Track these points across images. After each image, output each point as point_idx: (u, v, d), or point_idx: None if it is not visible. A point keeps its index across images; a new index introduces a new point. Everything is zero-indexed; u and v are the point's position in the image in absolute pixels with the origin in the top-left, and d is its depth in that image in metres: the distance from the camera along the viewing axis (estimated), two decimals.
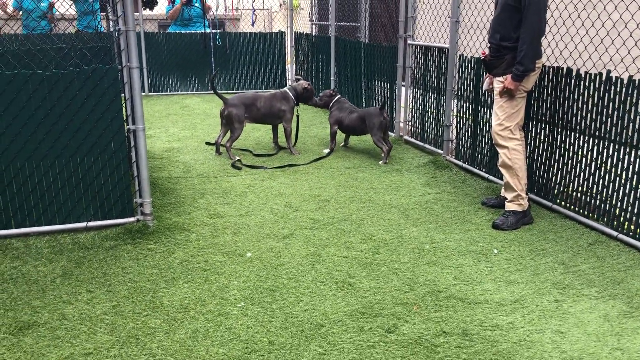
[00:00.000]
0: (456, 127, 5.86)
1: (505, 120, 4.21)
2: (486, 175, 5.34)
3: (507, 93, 4.14)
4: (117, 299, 3.12)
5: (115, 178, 4.00)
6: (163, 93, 10.58)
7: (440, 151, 6.19)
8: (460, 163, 5.78)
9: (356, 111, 6.31)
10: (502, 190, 4.59)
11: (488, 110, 5.29)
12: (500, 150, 4.29)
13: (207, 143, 6.69)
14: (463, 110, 5.71)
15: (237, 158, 5.95)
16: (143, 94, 10.31)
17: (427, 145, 6.49)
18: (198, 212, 4.44)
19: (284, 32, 11.21)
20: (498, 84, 4.24)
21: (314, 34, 10.80)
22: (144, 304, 3.07)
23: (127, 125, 3.99)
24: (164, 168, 5.68)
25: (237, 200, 4.75)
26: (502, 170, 4.32)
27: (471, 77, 5.52)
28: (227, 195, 4.87)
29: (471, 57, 5.49)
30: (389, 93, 7.29)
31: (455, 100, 5.85)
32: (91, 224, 4.01)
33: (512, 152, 4.22)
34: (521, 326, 2.93)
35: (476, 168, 5.54)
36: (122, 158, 3.99)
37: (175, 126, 7.76)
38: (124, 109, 3.96)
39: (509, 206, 4.28)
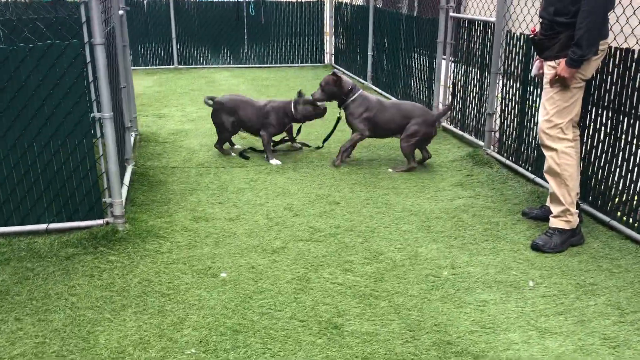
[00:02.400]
0: (500, 115, 5.00)
1: (555, 116, 3.36)
2: (532, 176, 4.48)
3: (560, 82, 3.29)
4: (45, 333, 2.54)
5: (80, 174, 3.42)
6: (193, 66, 10.02)
7: (481, 143, 5.34)
8: (502, 159, 4.93)
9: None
10: (548, 199, 3.75)
11: (538, 99, 4.40)
12: (547, 153, 3.45)
13: None
14: (509, 97, 4.84)
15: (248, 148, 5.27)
16: (172, 66, 9.81)
17: (466, 135, 5.64)
18: (182, 214, 3.83)
19: (323, 1, 10.39)
20: (549, 69, 3.38)
21: (354, 2, 9.92)
22: (74, 342, 2.48)
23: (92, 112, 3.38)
24: (164, 155, 5.09)
25: (231, 199, 4.10)
26: (548, 178, 3.48)
27: (519, 57, 4.62)
28: (222, 192, 4.23)
29: (520, 33, 4.59)
30: (428, 72, 6.43)
31: (501, 84, 4.97)
32: (52, 226, 3.46)
33: (562, 156, 3.38)
34: None
35: (521, 166, 4.68)
36: (88, 150, 3.40)
37: (193, 104, 7.17)
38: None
39: (555, 222, 3.45)
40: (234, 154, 5.05)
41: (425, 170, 4.84)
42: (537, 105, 4.42)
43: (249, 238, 3.50)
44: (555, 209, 3.46)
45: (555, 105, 3.35)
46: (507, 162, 4.85)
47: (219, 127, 5.07)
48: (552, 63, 3.36)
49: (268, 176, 4.60)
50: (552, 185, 3.45)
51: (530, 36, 3.56)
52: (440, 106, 6.25)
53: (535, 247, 3.40)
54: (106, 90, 3.32)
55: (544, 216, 3.76)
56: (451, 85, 5.40)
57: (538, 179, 4.42)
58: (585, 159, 3.86)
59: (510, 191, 4.37)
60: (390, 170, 4.79)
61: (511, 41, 4.72)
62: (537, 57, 3.69)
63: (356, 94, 4.86)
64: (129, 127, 4.41)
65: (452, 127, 5.94)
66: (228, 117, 5.00)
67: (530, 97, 4.52)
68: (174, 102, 7.25)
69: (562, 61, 3.24)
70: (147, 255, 3.26)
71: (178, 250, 3.32)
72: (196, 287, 2.94)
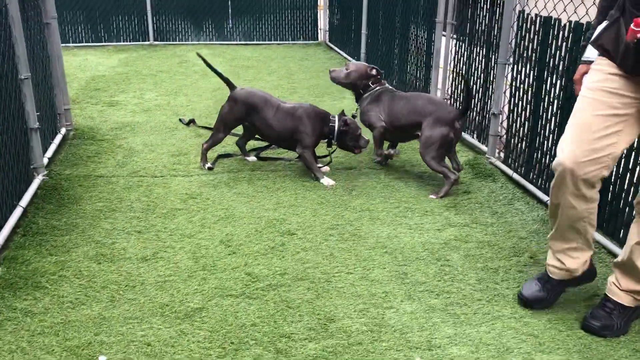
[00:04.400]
0: (508, 116, 4.03)
1: None
2: (544, 198, 3.54)
3: None
4: None
5: None
6: (170, 42, 9.05)
7: (484, 148, 4.38)
8: (508, 171, 3.98)
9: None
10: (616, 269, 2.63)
11: (557, 100, 3.44)
12: None
13: (181, 121, 5.10)
14: (519, 95, 3.87)
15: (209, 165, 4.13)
16: (147, 43, 8.85)
17: (467, 136, 4.68)
18: (84, 249, 2.94)
19: None
20: None
21: None
22: None
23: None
24: (94, 158, 4.19)
25: (155, 226, 3.20)
26: None
27: (534, 45, 3.64)
28: (147, 215, 3.33)
29: (536, 15, 3.60)
30: (425, 56, 5.44)
31: (510, 78, 4.00)
32: None
33: None
34: None
35: (531, 182, 3.74)
36: None
37: (156, 89, 6.24)
38: None
39: (621, 297, 2.39)
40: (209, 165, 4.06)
41: (414, 182, 3.90)
42: (554, 108, 3.46)
43: (160, 291, 2.61)
44: (634, 286, 2.39)
45: None
46: (515, 175, 3.90)
47: (219, 123, 4.01)
48: None
49: (213, 191, 3.70)
50: None
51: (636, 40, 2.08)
52: (439, 94, 5.28)
53: (589, 330, 2.39)
54: None
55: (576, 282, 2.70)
56: (461, 78, 4.45)
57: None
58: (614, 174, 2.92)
59: (517, 217, 3.43)
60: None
61: (524, 24, 3.73)
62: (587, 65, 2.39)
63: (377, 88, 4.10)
64: (36, 128, 3.50)
65: None
66: (238, 117, 3.97)
67: (547, 97, 3.55)
68: (133, 87, 6.32)
69: None
70: (10, 319, 2.38)
71: (57, 311, 2.44)
72: None
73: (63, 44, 8.62)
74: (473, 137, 4.60)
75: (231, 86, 3.99)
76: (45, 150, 3.92)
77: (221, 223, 3.26)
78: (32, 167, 3.51)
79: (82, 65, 7.35)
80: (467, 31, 4.59)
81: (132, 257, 2.88)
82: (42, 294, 2.56)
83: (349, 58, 7.98)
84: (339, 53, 8.48)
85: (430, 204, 3.61)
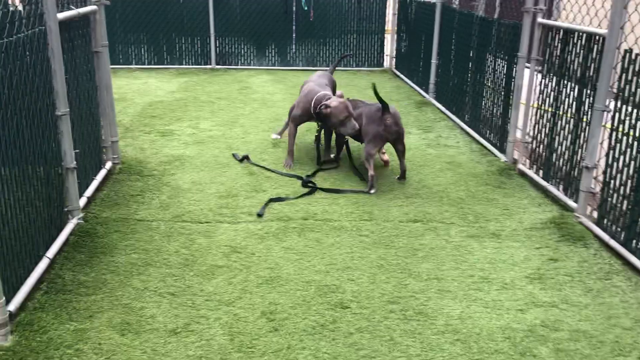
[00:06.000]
0: (605, 170, 3.44)
1: None
2: None
3: None
4: None
5: None
6: (233, 67, 8.83)
7: (572, 204, 3.79)
8: (604, 236, 3.38)
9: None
10: None
11: None
12: None
13: (234, 156, 4.75)
14: (621, 147, 3.28)
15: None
16: (208, 66, 8.68)
17: (551, 188, 4.09)
18: (109, 314, 2.59)
19: None
20: None
21: None
22: None
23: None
24: (137, 198, 3.88)
25: (191, 288, 2.82)
26: None
27: None
28: (184, 272, 2.96)
29: None
30: (504, 93, 4.89)
31: (609, 126, 3.42)
32: None
33: None
34: None
35: (635, 255, 3.12)
36: None
37: (213, 118, 5.95)
38: None
39: None
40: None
41: (491, 242, 3.37)
42: None
43: None
44: None
45: None
46: (612, 242, 3.30)
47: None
48: None
49: (260, 244, 3.29)
50: None
51: None
52: (518, 134, 4.71)
53: None
54: None
55: None
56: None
57: None
58: None
59: (617, 298, 2.84)
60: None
61: (631, 66, 3.16)
62: None
63: None
64: (72, 168, 3.21)
65: (531, 173, 4.39)
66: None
67: None
68: (190, 115, 6.06)
69: None
70: None
71: None
72: None
73: (126, 66, 8.60)
74: (559, 190, 4.01)
75: (386, 107, 4.21)
76: (85, 188, 3.65)
77: (265, 287, 2.85)
78: (66, 209, 3.22)
79: (142, 89, 7.21)
80: (556, 68, 4.03)
81: (160, 328, 2.50)
82: None
83: (416, 88, 7.50)
84: (405, 82, 8.01)
85: (510, 272, 3.07)
